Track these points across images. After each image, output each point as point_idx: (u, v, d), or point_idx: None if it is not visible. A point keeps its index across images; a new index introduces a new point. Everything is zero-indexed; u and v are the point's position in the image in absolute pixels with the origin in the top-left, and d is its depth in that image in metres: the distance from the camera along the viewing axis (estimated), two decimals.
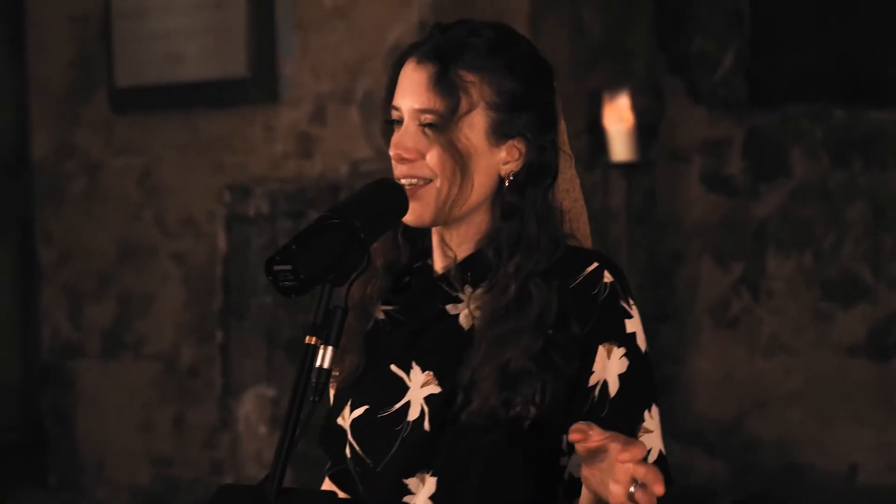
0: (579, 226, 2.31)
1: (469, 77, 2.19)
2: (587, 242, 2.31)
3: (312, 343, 2.10)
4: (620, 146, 5.67)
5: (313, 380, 2.07)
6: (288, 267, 2.08)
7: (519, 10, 6.09)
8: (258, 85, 6.25)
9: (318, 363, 2.07)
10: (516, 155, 2.23)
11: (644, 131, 6.42)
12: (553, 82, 2.29)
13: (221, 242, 6.21)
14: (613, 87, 5.83)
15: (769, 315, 6.54)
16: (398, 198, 2.21)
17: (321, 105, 6.12)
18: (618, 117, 5.67)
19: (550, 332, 2.15)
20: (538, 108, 2.24)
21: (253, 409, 5.98)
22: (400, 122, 2.24)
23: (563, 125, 2.31)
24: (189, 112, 6.51)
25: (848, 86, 6.39)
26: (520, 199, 2.23)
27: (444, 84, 2.19)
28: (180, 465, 6.59)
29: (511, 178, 2.23)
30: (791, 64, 6.49)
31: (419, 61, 2.22)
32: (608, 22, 6.53)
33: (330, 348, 2.09)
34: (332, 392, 2.38)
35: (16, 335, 7.92)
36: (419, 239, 2.35)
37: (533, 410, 2.15)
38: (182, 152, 6.56)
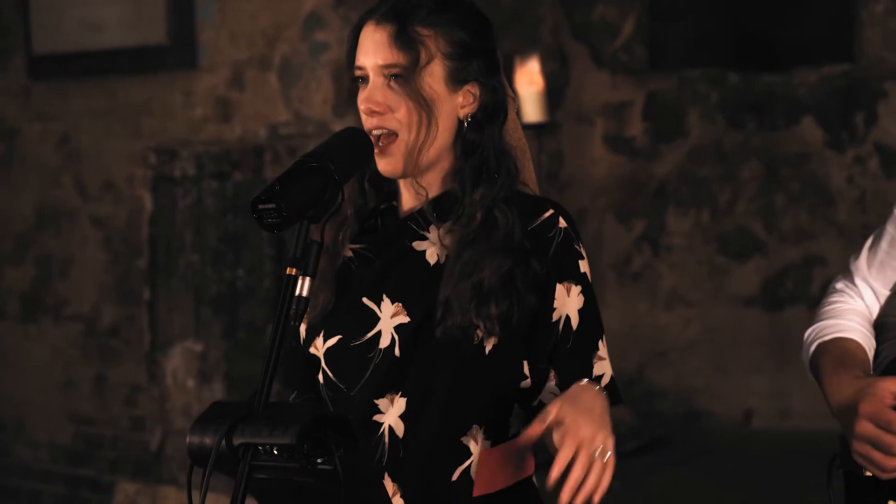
0: (526, 162, 2.57)
1: (424, 32, 2.43)
2: (532, 179, 2.56)
3: (293, 274, 2.30)
4: (531, 108, 5.87)
5: (294, 307, 2.29)
6: (272, 205, 2.27)
7: None
8: (177, 51, 6.38)
9: (297, 292, 2.29)
10: (471, 99, 2.47)
11: (551, 94, 6.63)
12: (493, 33, 2.54)
13: (147, 203, 6.32)
14: (523, 53, 6.02)
15: (669, 269, 6.78)
16: (365, 143, 2.44)
17: (239, 71, 6.25)
18: (528, 80, 5.88)
19: (513, 260, 2.40)
20: (486, 54, 2.48)
21: (181, 363, 6.10)
22: (365, 80, 2.47)
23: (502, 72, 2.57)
24: (107, 78, 6.62)
25: (742, 51, 6.61)
26: (479, 136, 2.47)
27: (404, 40, 2.42)
28: (101, 424, 6.69)
29: (469, 118, 2.47)
30: (688, 30, 6.73)
31: (378, 23, 2.44)
32: None
33: (308, 279, 2.30)
34: (302, 327, 2.60)
35: None
36: (385, 183, 2.58)
37: (498, 330, 2.39)
38: (101, 118, 6.67)
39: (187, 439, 2.30)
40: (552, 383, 2.42)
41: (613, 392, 2.43)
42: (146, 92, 6.54)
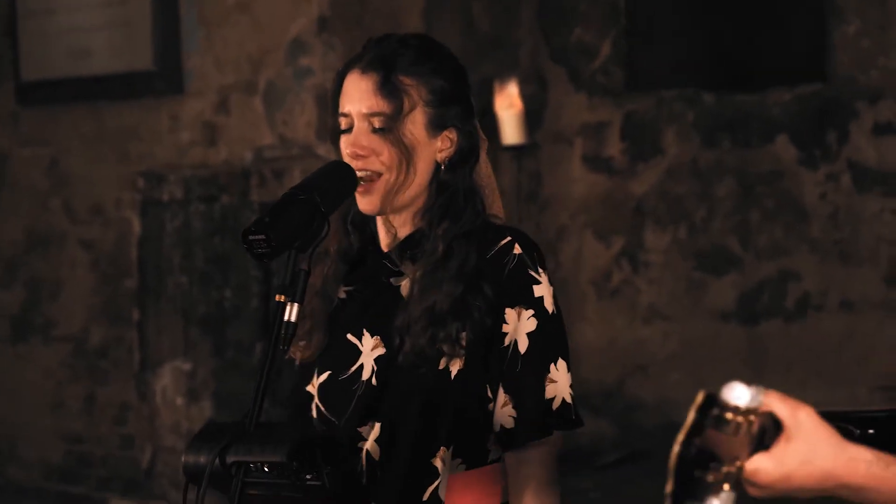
0: (494, 199, 2.70)
1: (408, 81, 2.55)
2: (500, 211, 2.70)
3: (282, 301, 2.44)
4: (510, 130, 5.97)
5: (282, 332, 2.42)
6: (262, 236, 2.40)
7: (413, 6, 6.43)
8: (163, 77, 6.50)
9: (286, 317, 2.43)
10: (448, 143, 2.60)
11: (529, 116, 6.74)
12: (469, 80, 2.68)
13: (136, 226, 6.42)
14: (502, 76, 6.13)
15: (647, 285, 6.88)
16: (349, 175, 2.58)
17: (225, 95, 6.36)
18: (508, 103, 5.99)
19: (466, 287, 2.53)
20: (463, 100, 2.62)
21: (170, 382, 6.20)
22: (350, 126, 2.60)
23: None
24: (96, 104, 6.74)
25: (717, 72, 6.72)
26: (452, 177, 2.60)
27: (389, 89, 2.55)
28: (91, 442, 6.78)
29: (446, 162, 2.61)
30: (664, 52, 6.84)
31: (364, 71, 2.57)
32: (495, 15, 6.85)
33: (296, 305, 2.43)
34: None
35: None
36: (366, 226, 2.71)
37: (456, 351, 2.52)
38: (89, 143, 6.79)
39: (182, 458, 2.43)
40: (509, 406, 2.54)
41: (565, 416, 2.55)
42: (134, 117, 6.64)
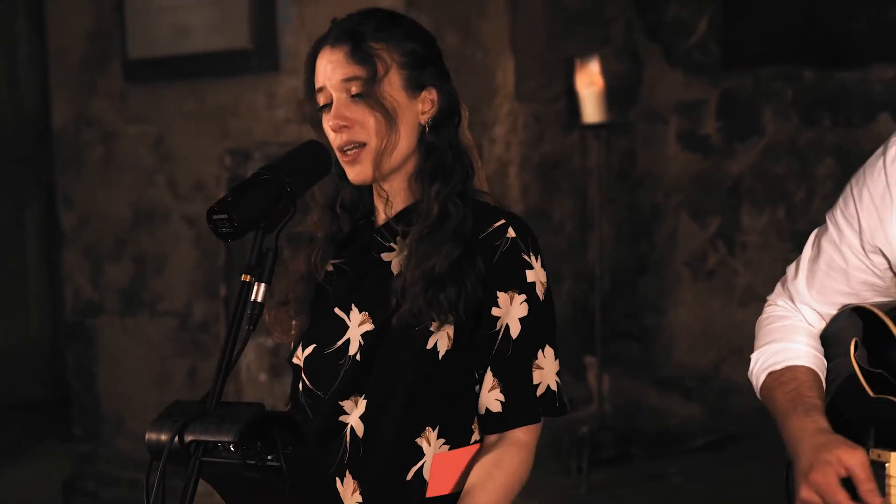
0: (478, 171, 2.68)
1: (377, 46, 2.57)
2: (483, 182, 2.68)
3: (248, 280, 2.44)
4: (592, 109, 5.92)
5: (248, 311, 2.42)
6: (225, 216, 2.41)
7: None
8: (259, 55, 6.55)
9: (252, 297, 2.43)
10: (430, 104, 2.61)
11: (622, 94, 6.67)
12: (437, 45, 2.68)
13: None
14: (584, 55, 6.08)
15: (744, 267, 6.76)
16: (323, 156, 2.57)
17: None
18: (588, 81, 5.93)
19: (462, 252, 2.51)
20: (437, 62, 2.64)
21: (254, 358, 6.28)
22: (328, 104, 2.60)
23: None
24: (196, 82, 6.82)
25: (816, 48, 6.57)
26: (437, 138, 2.61)
27: (360, 55, 2.57)
28: None
29: (429, 122, 2.61)
30: (762, 28, 6.70)
31: (333, 45, 2.59)
32: None
33: (263, 285, 2.44)
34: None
35: (42, 296, 8.29)
36: (357, 207, 2.71)
37: (451, 318, 2.49)
38: (191, 120, 6.88)
39: (146, 435, 2.46)
40: (497, 390, 2.52)
41: (549, 403, 2.54)
42: (232, 95, 6.72)
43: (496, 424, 2.55)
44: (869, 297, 2.46)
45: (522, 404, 2.54)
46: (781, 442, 2.44)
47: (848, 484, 2.27)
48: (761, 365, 2.55)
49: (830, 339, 2.53)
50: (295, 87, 6.46)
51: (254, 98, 6.64)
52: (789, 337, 2.54)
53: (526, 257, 2.53)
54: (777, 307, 2.59)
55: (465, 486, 2.53)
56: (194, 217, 6.87)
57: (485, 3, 6.39)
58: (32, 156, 8.00)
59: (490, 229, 2.54)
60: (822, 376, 2.51)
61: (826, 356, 2.52)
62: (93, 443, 7.33)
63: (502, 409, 2.53)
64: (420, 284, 2.51)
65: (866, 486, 2.22)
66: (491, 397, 2.52)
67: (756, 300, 6.67)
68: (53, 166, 7.46)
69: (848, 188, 2.42)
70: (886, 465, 2.21)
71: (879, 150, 2.37)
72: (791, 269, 2.56)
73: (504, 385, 2.52)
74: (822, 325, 2.54)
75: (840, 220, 2.43)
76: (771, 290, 7.01)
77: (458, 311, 2.50)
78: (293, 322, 2.70)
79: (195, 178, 6.87)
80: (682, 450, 6.21)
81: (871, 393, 2.37)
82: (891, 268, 2.41)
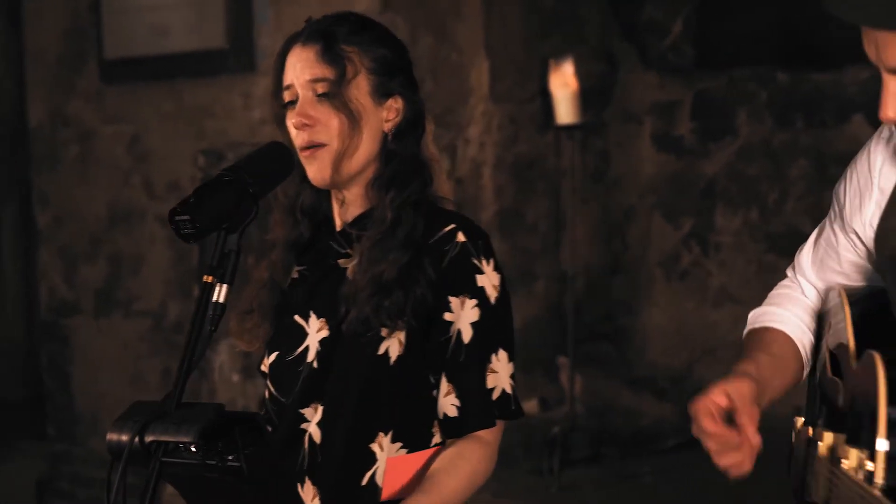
0: (441, 178, 2.69)
1: (349, 48, 2.58)
2: (446, 190, 2.69)
3: (210, 281, 2.45)
4: (566, 110, 5.94)
5: (210, 312, 2.43)
6: (186, 217, 2.42)
7: None
8: (236, 55, 6.55)
9: (214, 298, 2.44)
10: (395, 113, 2.62)
11: (597, 95, 6.68)
12: (408, 56, 2.68)
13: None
14: (566, 54, 6.09)
15: (717, 267, 6.78)
16: (286, 158, 2.58)
17: None
18: (563, 82, 5.95)
19: (411, 258, 2.52)
20: (407, 71, 2.65)
21: (227, 359, 6.28)
22: (293, 101, 2.61)
23: None
24: (174, 82, 6.82)
25: (790, 50, 6.58)
26: (399, 146, 2.62)
27: (331, 55, 2.57)
28: None
29: (393, 131, 2.62)
30: (736, 30, 6.70)
31: (304, 43, 2.60)
32: None
33: (225, 286, 2.44)
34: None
35: (17, 295, 8.25)
36: (317, 212, 2.71)
37: (401, 324, 2.51)
38: (167, 120, 6.88)
39: (107, 436, 2.47)
40: (452, 395, 2.54)
41: (505, 407, 2.55)
42: (209, 95, 6.72)
43: (454, 429, 2.56)
44: (858, 280, 2.49)
45: (478, 409, 2.55)
46: None
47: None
48: (748, 324, 2.60)
49: (823, 317, 2.56)
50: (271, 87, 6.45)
51: (230, 98, 6.64)
52: (782, 304, 2.58)
53: (476, 262, 2.54)
54: (786, 277, 2.63)
55: (428, 471, 2.54)
56: None
57: (460, 5, 6.40)
58: (8, 154, 7.98)
59: (439, 234, 2.55)
60: (803, 346, 2.53)
61: (818, 334, 2.56)
62: (67, 442, 7.33)
63: (458, 413, 2.54)
64: (368, 290, 2.52)
65: (741, 412, 2.26)
66: (447, 402, 2.54)
67: (729, 301, 6.69)
68: (29, 165, 7.44)
69: (847, 168, 2.47)
70: (819, 443, 2.25)
71: (875, 133, 2.42)
72: (808, 241, 2.59)
73: (459, 390, 2.53)
74: (818, 299, 2.57)
75: (835, 199, 2.48)
76: (744, 291, 7.00)
77: (408, 316, 2.51)
78: (258, 330, 2.71)
79: (171, 178, 6.87)
80: (655, 450, 6.23)
81: (829, 373, 2.42)
82: (867, 250, 2.44)
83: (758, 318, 2.59)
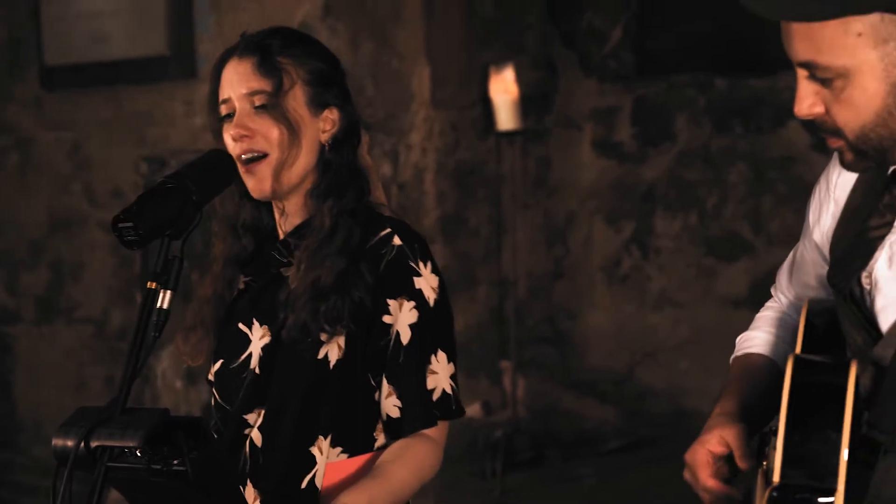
0: (376, 184, 2.73)
1: (284, 61, 2.61)
2: (382, 197, 2.73)
3: (153, 287, 2.47)
4: (507, 116, 5.99)
5: (155, 318, 2.45)
6: (130, 224, 2.45)
7: None
8: (177, 62, 6.56)
9: (158, 304, 2.46)
10: (331, 123, 2.65)
11: (538, 101, 6.73)
12: (342, 68, 2.72)
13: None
14: (507, 62, 6.13)
15: (658, 271, 6.85)
16: (228, 165, 2.61)
17: None
18: (504, 89, 5.99)
19: (348, 263, 2.56)
20: (341, 83, 2.69)
21: (169, 365, 6.29)
22: (231, 114, 2.64)
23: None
24: (114, 89, 6.82)
25: (728, 56, 6.66)
26: (336, 156, 2.65)
27: (267, 68, 2.60)
28: None
29: (330, 141, 2.65)
30: (675, 36, 6.78)
31: (241, 56, 2.63)
32: (500, 0, 6.84)
33: (168, 292, 2.47)
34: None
35: None
36: (259, 227, 2.74)
37: (340, 329, 2.53)
38: (108, 126, 6.87)
39: (52, 441, 2.48)
40: (393, 397, 2.57)
41: (445, 407, 2.58)
42: (150, 102, 6.72)
43: (396, 430, 2.59)
44: (830, 294, 2.48)
45: (418, 410, 2.58)
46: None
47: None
48: (735, 349, 2.62)
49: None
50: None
51: (171, 105, 6.65)
52: (760, 326, 2.60)
53: (413, 264, 2.57)
54: (770, 297, 2.65)
55: (377, 462, 2.57)
56: (110, 223, 6.82)
57: (401, 11, 6.44)
58: None
59: (376, 238, 2.59)
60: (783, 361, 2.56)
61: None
62: (9, 451, 7.29)
63: (400, 414, 2.57)
64: (305, 297, 2.55)
65: (738, 453, 2.29)
66: (389, 404, 2.57)
67: (669, 304, 6.76)
68: None
69: (816, 183, 2.49)
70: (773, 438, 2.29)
71: None
72: (787, 258, 2.61)
73: (399, 391, 2.56)
74: (795, 313, 2.57)
75: (806, 215, 2.50)
76: (684, 294, 7.04)
77: (346, 321, 2.54)
78: (202, 345, 2.73)
79: (112, 184, 6.86)
80: (597, 452, 6.29)
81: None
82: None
83: (742, 343, 2.60)
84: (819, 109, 2.13)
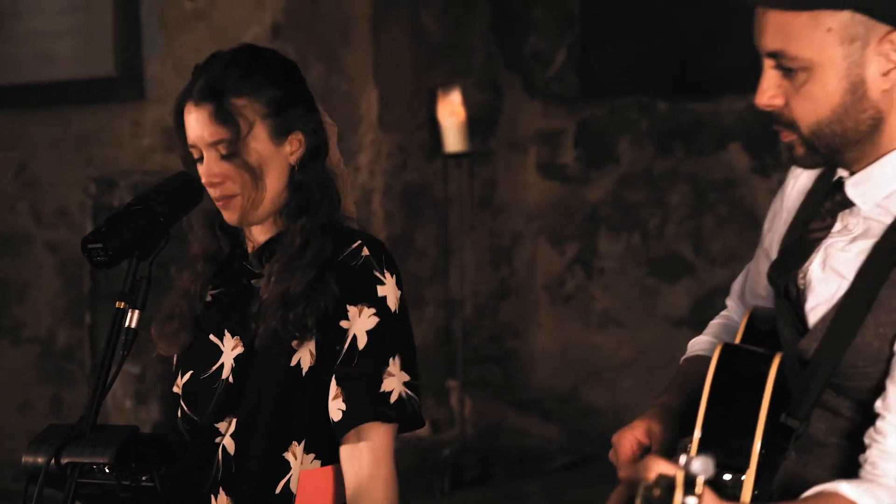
0: (346, 189, 2.78)
1: (240, 102, 2.63)
2: (350, 203, 2.79)
3: (122, 307, 2.52)
4: (454, 138, 6.05)
5: (123, 337, 2.51)
6: (99, 245, 2.50)
7: (361, 13, 6.51)
8: (125, 83, 6.58)
9: (126, 324, 2.52)
10: (297, 145, 2.69)
11: (483, 124, 6.80)
12: (299, 72, 2.75)
13: (89, 231, 6.46)
14: (453, 84, 6.20)
15: (601, 291, 6.93)
16: (194, 188, 2.67)
17: None
18: (450, 111, 6.06)
19: (316, 274, 2.62)
20: (300, 100, 2.70)
21: (119, 385, 6.28)
22: (201, 158, 2.69)
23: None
24: (62, 109, 6.82)
25: (670, 80, 6.76)
26: (305, 175, 2.69)
27: (223, 116, 2.63)
28: None
29: (298, 163, 2.70)
30: (618, 60, 6.88)
31: (197, 103, 2.65)
32: (447, 23, 6.92)
33: (137, 311, 2.53)
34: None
35: None
36: (235, 229, 2.79)
37: (308, 335, 2.59)
38: (55, 147, 6.87)
39: (22, 458, 2.53)
40: (339, 399, 2.61)
41: (402, 411, 2.62)
42: (98, 122, 6.72)
43: (339, 430, 2.62)
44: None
45: (362, 405, 2.60)
46: None
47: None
48: (686, 352, 2.69)
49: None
50: (160, 115, 6.47)
51: (119, 126, 6.66)
52: (708, 331, 2.66)
53: (378, 274, 2.63)
54: (725, 307, 2.71)
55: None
56: (57, 244, 6.85)
57: (349, 33, 6.50)
58: None
59: (347, 251, 2.64)
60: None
61: None
62: None
63: (342, 416, 2.60)
64: (275, 306, 2.60)
65: (654, 447, 2.38)
66: (334, 406, 2.61)
67: (613, 323, 6.84)
68: None
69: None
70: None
71: None
72: (744, 269, 2.68)
73: (346, 394, 2.60)
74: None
75: (764, 226, 2.57)
76: (627, 314, 7.09)
77: (313, 327, 2.60)
78: (178, 337, 2.77)
79: (59, 204, 6.86)
80: (542, 470, 6.35)
81: None
82: None
83: (691, 347, 2.67)
84: (779, 101, 2.18)
